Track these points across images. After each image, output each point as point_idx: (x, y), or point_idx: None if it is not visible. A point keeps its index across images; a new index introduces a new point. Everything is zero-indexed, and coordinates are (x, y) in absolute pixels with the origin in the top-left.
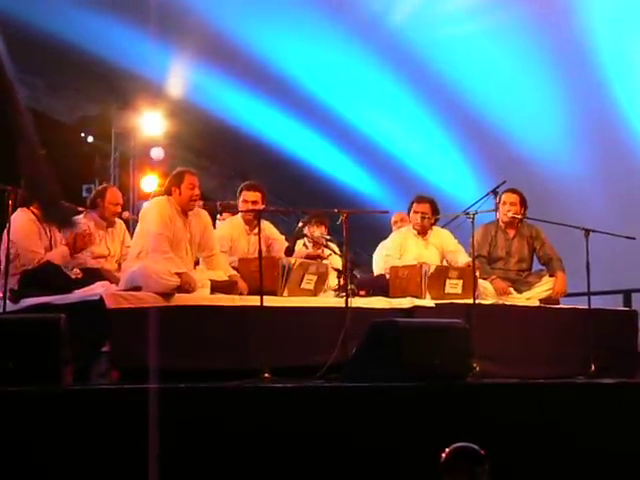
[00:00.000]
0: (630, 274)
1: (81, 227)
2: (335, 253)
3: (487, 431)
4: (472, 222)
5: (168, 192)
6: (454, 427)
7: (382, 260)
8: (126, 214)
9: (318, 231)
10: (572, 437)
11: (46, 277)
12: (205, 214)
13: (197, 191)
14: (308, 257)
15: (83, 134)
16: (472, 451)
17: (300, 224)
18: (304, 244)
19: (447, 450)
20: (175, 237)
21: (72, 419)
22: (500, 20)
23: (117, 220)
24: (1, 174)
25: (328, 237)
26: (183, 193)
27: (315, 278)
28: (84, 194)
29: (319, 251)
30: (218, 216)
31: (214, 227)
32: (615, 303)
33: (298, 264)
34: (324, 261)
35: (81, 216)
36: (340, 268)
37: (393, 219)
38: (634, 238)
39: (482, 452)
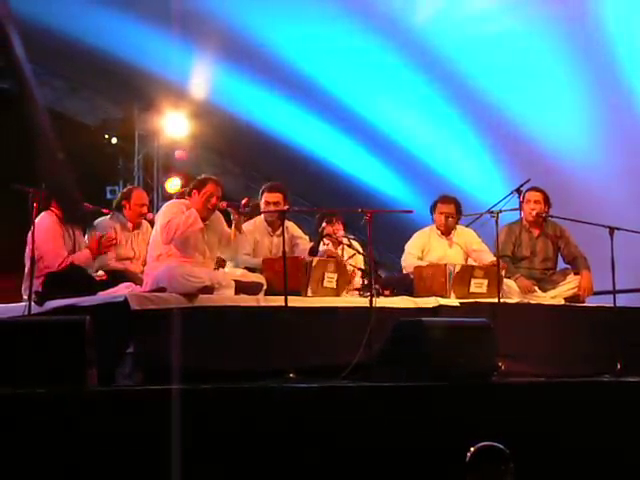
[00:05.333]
0: None
1: (105, 230)
2: (359, 252)
3: (512, 430)
4: (496, 221)
5: (189, 194)
6: (479, 426)
7: (404, 259)
8: (150, 216)
9: (341, 230)
10: (598, 436)
11: (70, 279)
12: (220, 217)
13: (214, 200)
14: (328, 256)
15: (107, 136)
16: (497, 450)
17: (324, 224)
18: (324, 243)
19: (472, 449)
20: (191, 240)
21: (97, 420)
22: (524, 19)
23: (144, 222)
24: (25, 176)
25: (352, 236)
26: (201, 198)
27: (335, 276)
28: (108, 196)
29: (339, 249)
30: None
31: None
32: None
33: (316, 263)
34: (349, 260)
35: (107, 217)
36: (364, 267)
37: None
38: None
39: (507, 451)
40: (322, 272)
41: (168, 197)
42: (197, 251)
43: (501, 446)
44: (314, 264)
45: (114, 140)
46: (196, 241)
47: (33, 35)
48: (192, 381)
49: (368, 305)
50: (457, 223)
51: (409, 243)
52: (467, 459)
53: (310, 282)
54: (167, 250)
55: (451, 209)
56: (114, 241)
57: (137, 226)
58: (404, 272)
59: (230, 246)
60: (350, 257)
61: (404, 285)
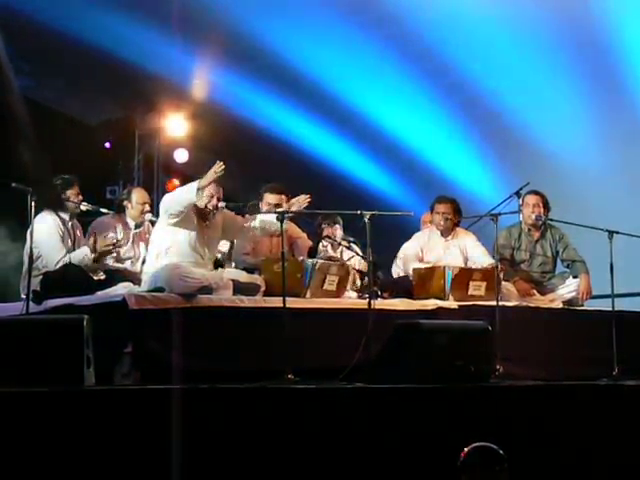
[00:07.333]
0: None
1: (106, 228)
2: (358, 255)
3: (509, 432)
4: (495, 224)
5: None
6: (476, 428)
7: (402, 261)
8: (149, 216)
9: (339, 232)
10: (594, 439)
11: (68, 279)
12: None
13: (214, 202)
14: (329, 259)
15: (103, 140)
16: (491, 451)
17: (323, 226)
18: (323, 245)
19: (466, 450)
20: (191, 239)
21: (95, 419)
22: (524, 18)
23: (145, 222)
24: (22, 176)
25: (351, 238)
26: (202, 199)
27: (337, 279)
28: (108, 196)
29: (338, 252)
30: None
31: None
32: (639, 305)
33: (319, 266)
34: (348, 262)
35: (108, 216)
36: (363, 270)
37: (423, 218)
38: None
39: (501, 452)
40: (324, 274)
41: None
42: (195, 251)
43: (495, 447)
44: (317, 267)
45: (107, 145)
46: (194, 243)
47: (35, 34)
48: (190, 381)
49: (367, 307)
50: (457, 225)
51: (407, 245)
52: (461, 459)
53: (311, 284)
54: (166, 248)
55: (448, 209)
56: (114, 244)
57: (139, 225)
58: (402, 274)
59: (244, 228)
60: (349, 259)
61: (403, 287)
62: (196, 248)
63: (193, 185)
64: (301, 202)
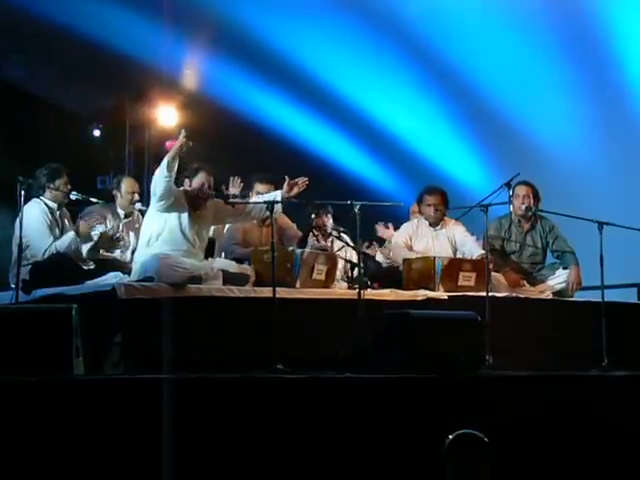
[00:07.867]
0: None
1: (95, 217)
2: (348, 245)
3: (499, 423)
4: (485, 215)
5: (180, 183)
6: (466, 419)
7: (392, 250)
8: (138, 205)
9: (330, 222)
10: (584, 430)
11: (57, 268)
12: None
13: (205, 189)
14: (317, 249)
15: (91, 127)
16: (475, 438)
17: (313, 216)
18: (313, 235)
19: (450, 437)
20: (182, 226)
21: (84, 409)
22: (515, 10)
23: (135, 211)
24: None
25: (342, 229)
26: (192, 187)
27: (325, 269)
28: (98, 186)
29: (328, 242)
30: None
31: None
32: (629, 296)
33: (306, 256)
34: (338, 252)
35: (98, 205)
36: (353, 260)
37: (412, 209)
38: None
39: (485, 439)
40: (312, 264)
41: None
42: (186, 240)
43: (479, 434)
44: (304, 256)
45: (96, 132)
46: (185, 232)
47: (27, 25)
48: (179, 371)
49: (357, 297)
50: (445, 215)
51: (396, 234)
52: (445, 446)
53: (300, 274)
54: (157, 234)
55: (438, 200)
56: (118, 241)
57: (128, 215)
58: (386, 261)
59: (235, 212)
60: (339, 249)
61: (393, 277)
62: (187, 235)
63: (164, 160)
64: (300, 185)
